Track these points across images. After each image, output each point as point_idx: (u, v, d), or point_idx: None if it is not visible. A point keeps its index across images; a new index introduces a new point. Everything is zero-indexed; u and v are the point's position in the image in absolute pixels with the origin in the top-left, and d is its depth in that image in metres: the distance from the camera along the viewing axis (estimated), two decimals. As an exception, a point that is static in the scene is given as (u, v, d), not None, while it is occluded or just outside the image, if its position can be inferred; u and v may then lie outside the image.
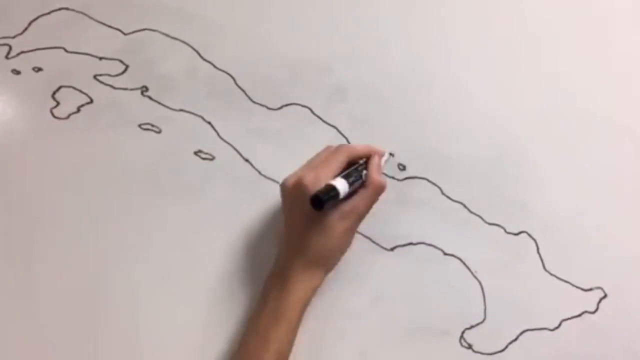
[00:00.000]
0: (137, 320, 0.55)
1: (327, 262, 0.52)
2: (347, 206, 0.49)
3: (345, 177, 0.49)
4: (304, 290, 0.50)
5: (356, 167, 0.51)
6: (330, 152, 0.52)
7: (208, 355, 0.54)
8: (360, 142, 0.57)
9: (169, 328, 0.55)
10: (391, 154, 0.57)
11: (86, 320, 0.55)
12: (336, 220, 0.49)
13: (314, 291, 0.51)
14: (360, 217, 0.51)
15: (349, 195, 0.49)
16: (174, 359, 0.54)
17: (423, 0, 0.58)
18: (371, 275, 0.56)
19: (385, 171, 0.56)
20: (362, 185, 0.51)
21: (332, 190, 0.47)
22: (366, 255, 0.56)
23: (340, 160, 0.50)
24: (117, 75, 0.58)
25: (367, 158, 0.53)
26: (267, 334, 0.49)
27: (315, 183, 0.48)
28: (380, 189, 0.51)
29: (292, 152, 0.56)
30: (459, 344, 0.55)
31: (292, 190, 0.50)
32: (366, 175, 0.51)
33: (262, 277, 0.54)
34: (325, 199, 0.46)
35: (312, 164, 0.51)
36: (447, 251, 0.56)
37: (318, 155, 0.53)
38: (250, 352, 0.49)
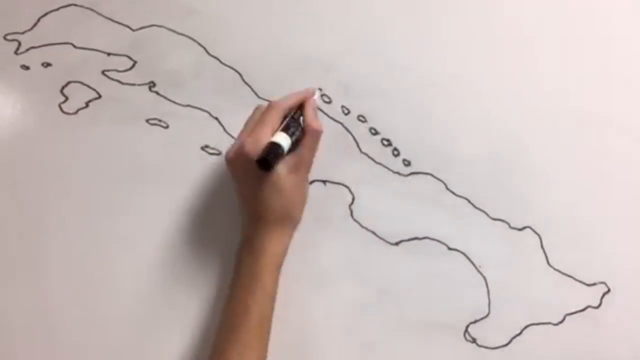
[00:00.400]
0: (139, 312, 0.55)
1: (289, 218, 0.52)
2: (292, 159, 0.50)
3: (285, 130, 0.49)
4: (273, 252, 0.50)
5: (292, 116, 0.51)
6: (262, 112, 0.51)
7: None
8: (364, 137, 0.57)
9: (174, 321, 0.55)
10: (319, 89, 0.57)
11: (92, 313, 0.55)
12: (286, 176, 0.49)
13: (284, 250, 0.52)
14: (308, 166, 0.51)
15: (294, 146, 0.50)
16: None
17: (427, -3, 0.59)
18: (376, 269, 0.56)
19: (320, 105, 0.57)
20: (303, 132, 0.51)
21: (275, 147, 0.47)
22: (371, 249, 0.56)
23: (274, 117, 0.50)
24: (124, 70, 0.58)
25: (301, 104, 0.53)
26: (246, 300, 0.49)
27: (256, 146, 0.48)
28: (317, 134, 0.51)
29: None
30: (463, 338, 0.55)
31: (236, 160, 0.50)
32: (304, 122, 0.51)
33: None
34: (271, 157, 0.46)
35: (247, 129, 0.51)
36: (451, 246, 0.56)
37: (251, 118, 0.52)
38: (233, 319, 0.49)
